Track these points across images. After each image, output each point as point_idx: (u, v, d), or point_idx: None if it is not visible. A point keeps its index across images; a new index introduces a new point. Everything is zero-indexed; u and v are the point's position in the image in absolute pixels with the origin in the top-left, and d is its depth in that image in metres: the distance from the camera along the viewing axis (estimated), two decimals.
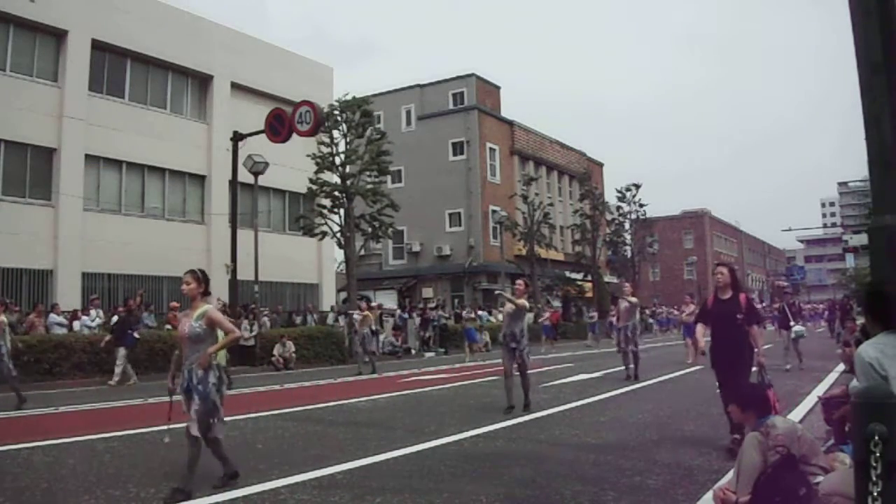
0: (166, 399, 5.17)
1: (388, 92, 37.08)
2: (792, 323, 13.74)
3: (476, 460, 5.72)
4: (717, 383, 6.19)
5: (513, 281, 36.22)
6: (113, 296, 19.60)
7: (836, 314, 23.64)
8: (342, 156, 23.08)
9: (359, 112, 23.07)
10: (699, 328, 6.39)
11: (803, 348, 14.22)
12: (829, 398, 4.82)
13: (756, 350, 5.86)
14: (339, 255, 26.15)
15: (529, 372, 8.97)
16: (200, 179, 23.17)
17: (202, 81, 23.49)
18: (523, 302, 8.89)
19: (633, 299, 12.82)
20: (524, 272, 33.21)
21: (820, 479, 3.63)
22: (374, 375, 14.75)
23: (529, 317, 9.63)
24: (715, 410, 8.18)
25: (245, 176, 19.25)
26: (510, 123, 38.88)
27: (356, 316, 16.51)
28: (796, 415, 7.33)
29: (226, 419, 5.10)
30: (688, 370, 13.73)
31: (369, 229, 23.60)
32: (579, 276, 39.47)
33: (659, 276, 61.44)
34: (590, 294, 39.02)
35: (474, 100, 37.14)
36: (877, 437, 2.26)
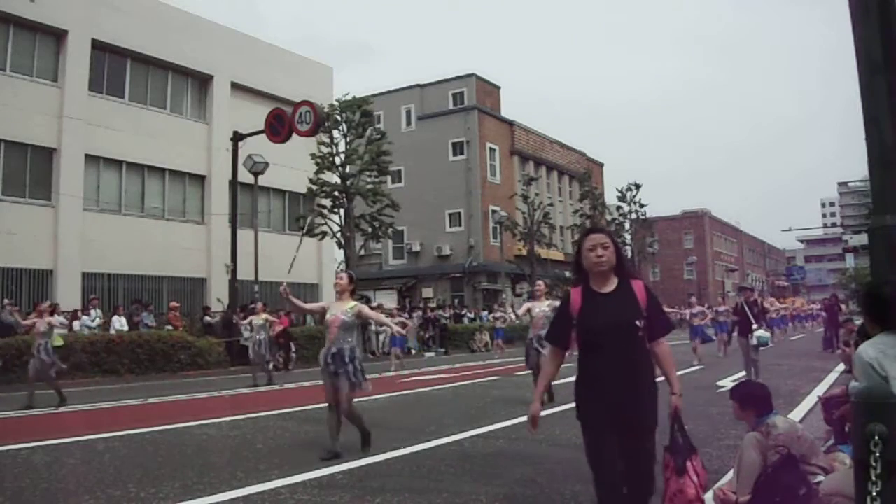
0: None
1: (388, 92, 37.09)
2: (755, 326, 10.60)
3: (476, 460, 5.72)
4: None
5: (513, 281, 36.49)
6: (113, 296, 19.60)
7: (836, 314, 19.76)
8: (342, 156, 23.09)
9: (359, 112, 23.09)
10: (547, 356, 3.44)
11: (793, 349, 13.62)
12: (829, 398, 4.83)
13: (672, 391, 3.02)
14: (339, 255, 26.16)
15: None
16: (200, 179, 23.16)
17: (202, 81, 23.49)
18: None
19: (550, 303, 9.54)
20: (524, 272, 33.25)
21: (820, 479, 3.63)
22: (275, 386, 13.10)
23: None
24: (715, 410, 8.19)
25: (245, 176, 19.25)
26: (510, 123, 38.88)
27: (255, 321, 13.95)
28: (796, 415, 7.32)
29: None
30: (687, 370, 13.72)
31: (369, 229, 23.60)
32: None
33: (659, 276, 61.40)
34: None
35: (474, 100, 37.14)
36: (877, 437, 2.26)
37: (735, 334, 12.03)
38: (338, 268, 28.88)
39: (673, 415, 3.05)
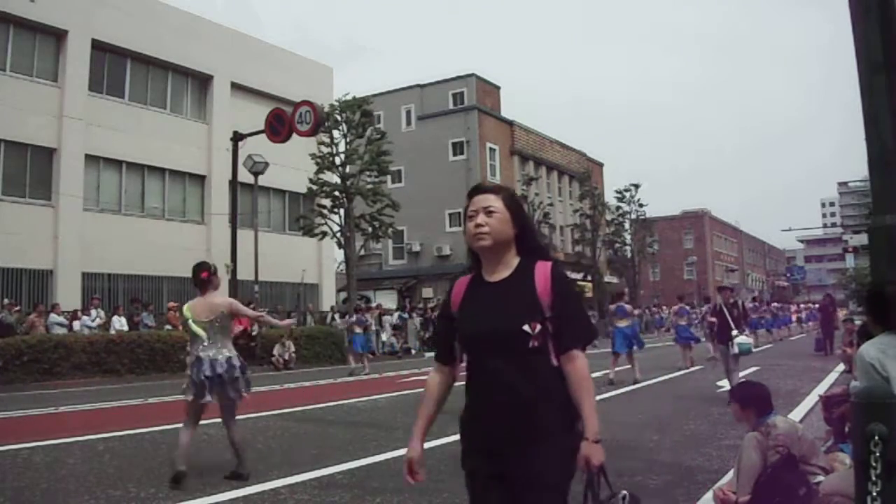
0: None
1: (388, 92, 37.08)
2: (734, 332, 9.24)
3: None
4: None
5: None
6: (113, 296, 19.60)
7: (831, 315, 18.54)
8: (342, 156, 23.09)
9: (359, 112, 23.10)
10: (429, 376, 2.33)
11: (787, 351, 12.87)
12: (829, 396, 4.83)
13: (585, 435, 2.01)
14: (339, 255, 26.18)
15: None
16: (200, 179, 23.17)
17: (202, 81, 23.49)
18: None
19: None
20: None
21: (820, 479, 3.63)
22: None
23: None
24: (715, 410, 8.19)
25: (245, 176, 19.25)
26: (510, 123, 38.88)
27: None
28: (796, 415, 7.32)
29: None
30: (687, 370, 13.73)
31: (369, 229, 23.60)
32: (579, 276, 39.47)
33: (659, 276, 61.43)
34: (590, 294, 39.02)
35: (474, 100, 37.13)
36: (877, 437, 2.26)
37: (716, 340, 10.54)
38: (338, 268, 28.92)
39: (586, 473, 1.98)
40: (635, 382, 11.44)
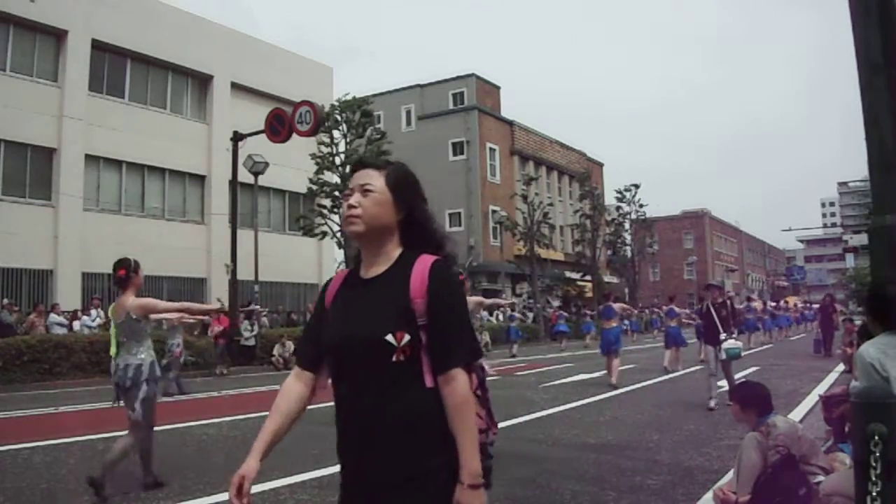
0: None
1: (388, 92, 37.11)
2: (723, 335, 8.61)
3: None
4: None
5: (513, 281, 36.51)
6: (113, 296, 19.55)
7: (831, 315, 17.93)
8: (342, 156, 23.09)
9: (359, 112, 23.10)
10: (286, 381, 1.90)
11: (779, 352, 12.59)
12: (829, 396, 4.83)
13: (460, 478, 1.59)
14: (339, 255, 26.17)
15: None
16: (200, 179, 23.17)
17: (202, 81, 23.50)
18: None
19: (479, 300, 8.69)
20: (524, 272, 33.26)
21: (820, 479, 3.63)
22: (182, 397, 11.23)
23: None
24: (715, 410, 8.20)
25: (245, 176, 19.25)
26: (510, 123, 38.89)
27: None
28: (796, 415, 7.32)
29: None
30: (687, 370, 13.72)
31: None
32: (579, 276, 39.49)
33: (659, 276, 61.44)
34: (590, 294, 39.03)
35: (474, 100, 37.15)
36: (877, 437, 2.26)
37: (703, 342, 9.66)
38: (338, 268, 28.92)
39: None
40: (611, 387, 10.90)
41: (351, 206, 1.71)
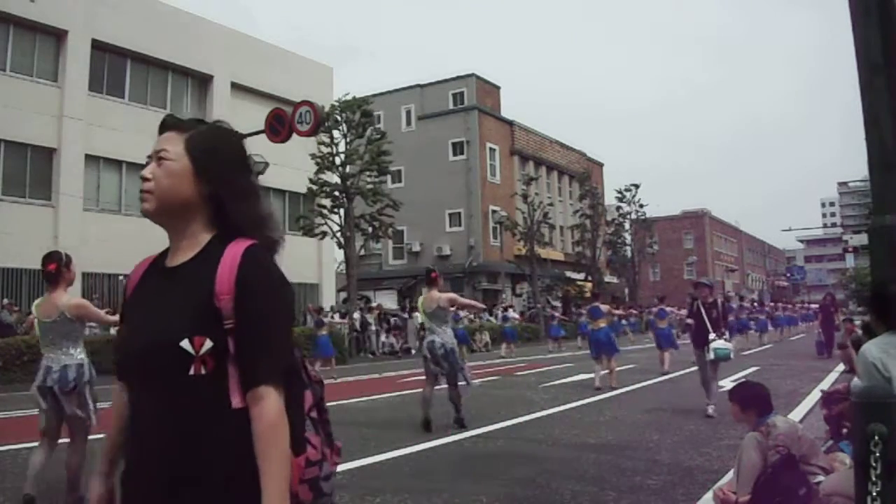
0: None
1: (388, 92, 37.11)
2: (712, 336, 8.16)
3: (476, 460, 5.72)
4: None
5: (513, 281, 36.53)
6: (113, 296, 19.59)
7: (831, 315, 17.66)
8: (342, 156, 23.10)
9: (359, 112, 23.12)
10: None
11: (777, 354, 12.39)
12: (831, 393, 4.82)
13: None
14: (339, 255, 26.18)
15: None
16: None
17: (202, 81, 23.50)
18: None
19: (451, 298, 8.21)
20: (524, 272, 33.25)
21: (820, 479, 3.63)
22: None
23: None
24: (714, 418, 8.20)
25: None
26: (510, 123, 38.89)
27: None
28: (796, 415, 7.32)
29: None
30: (687, 370, 13.71)
31: (369, 229, 23.63)
32: (579, 276, 39.49)
33: (659, 276, 61.45)
34: (590, 294, 39.03)
35: (474, 100, 37.15)
36: (877, 437, 2.26)
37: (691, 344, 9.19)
38: (338, 268, 28.91)
39: None
40: (597, 390, 10.61)
41: (143, 179, 1.40)
